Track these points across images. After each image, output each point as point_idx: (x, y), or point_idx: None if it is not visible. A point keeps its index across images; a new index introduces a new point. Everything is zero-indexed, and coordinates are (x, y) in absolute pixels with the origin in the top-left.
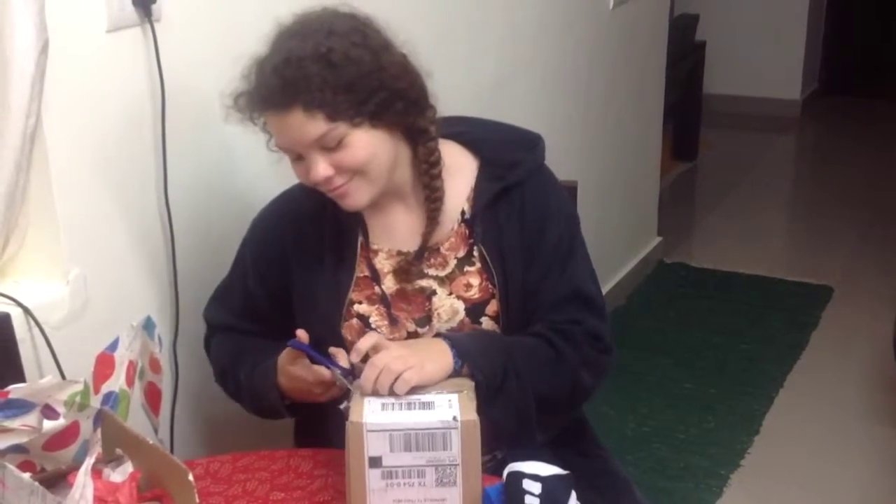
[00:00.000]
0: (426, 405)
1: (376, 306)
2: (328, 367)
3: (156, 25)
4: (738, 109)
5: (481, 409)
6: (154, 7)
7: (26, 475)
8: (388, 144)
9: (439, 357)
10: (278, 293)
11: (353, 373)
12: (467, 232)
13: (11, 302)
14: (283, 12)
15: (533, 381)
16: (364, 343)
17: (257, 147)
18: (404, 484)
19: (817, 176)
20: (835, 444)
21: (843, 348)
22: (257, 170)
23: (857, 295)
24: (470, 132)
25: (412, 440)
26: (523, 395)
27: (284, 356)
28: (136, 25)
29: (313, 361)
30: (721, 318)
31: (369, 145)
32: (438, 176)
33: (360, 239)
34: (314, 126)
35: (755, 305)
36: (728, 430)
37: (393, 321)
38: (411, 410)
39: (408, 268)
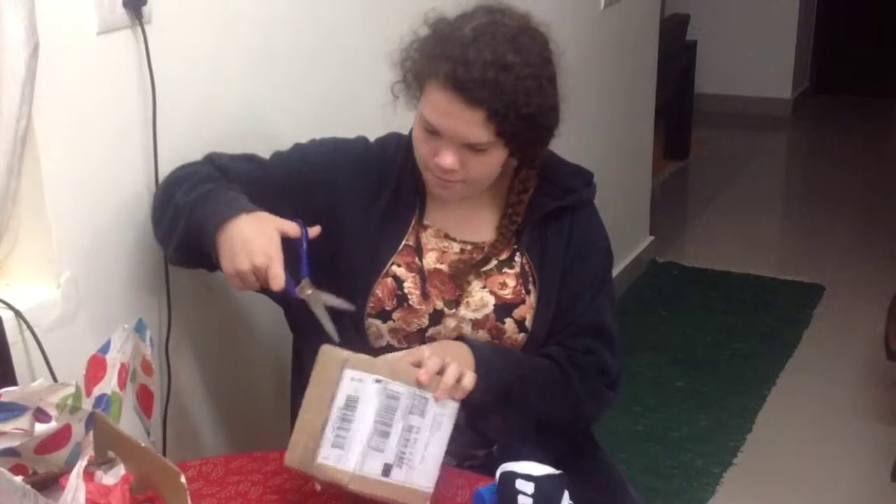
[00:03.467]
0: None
1: (413, 275)
2: (300, 278)
3: (146, 28)
4: (729, 108)
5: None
6: (145, 9)
7: (18, 478)
8: (501, 165)
9: (469, 362)
10: (290, 205)
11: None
12: (512, 239)
13: (3, 305)
14: (276, 11)
15: (536, 402)
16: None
17: (248, 147)
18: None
19: (809, 175)
20: (827, 441)
21: (835, 346)
22: None
23: (848, 293)
24: None
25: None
26: (522, 417)
27: (279, 220)
28: (126, 27)
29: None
30: (713, 316)
31: (499, 162)
32: (525, 201)
33: (417, 211)
34: (481, 132)
35: (747, 304)
36: (721, 429)
37: (425, 295)
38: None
39: (465, 269)
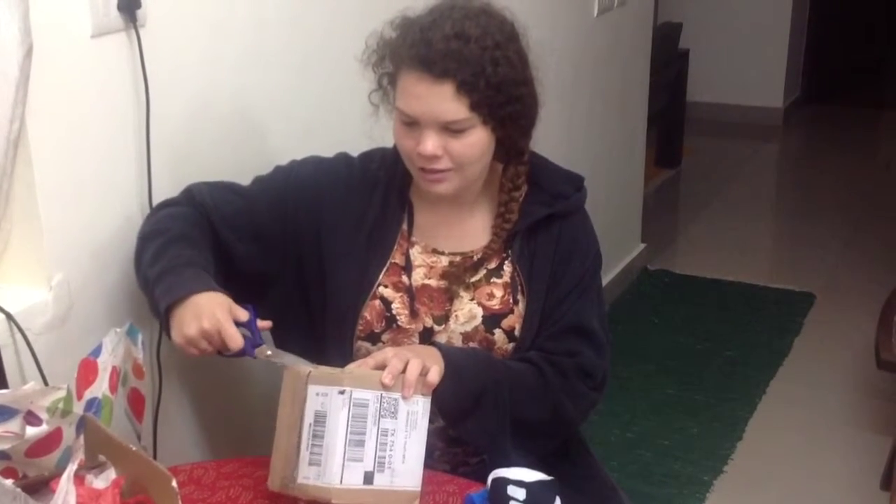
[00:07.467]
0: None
1: (401, 294)
2: (252, 344)
3: (141, 31)
4: (721, 117)
5: (449, 425)
6: (139, 12)
7: (9, 482)
8: (490, 152)
9: (438, 363)
10: (276, 231)
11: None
12: (502, 247)
13: None
14: (269, 15)
15: (513, 405)
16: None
17: (242, 151)
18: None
19: (800, 183)
20: (817, 449)
21: (826, 354)
22: (241, 175)
23: (839, 302)
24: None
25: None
26: (497, 419)
27: (230, 301)
28: (121, 31)
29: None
30: (704, 324)
31: (483, 145)
32: (518, 199)
33: (404, 228)
34: (455, 107)
35: (738, 312)
36: (711, 437)
37: (414, 313)
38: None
39: (459, 273)
